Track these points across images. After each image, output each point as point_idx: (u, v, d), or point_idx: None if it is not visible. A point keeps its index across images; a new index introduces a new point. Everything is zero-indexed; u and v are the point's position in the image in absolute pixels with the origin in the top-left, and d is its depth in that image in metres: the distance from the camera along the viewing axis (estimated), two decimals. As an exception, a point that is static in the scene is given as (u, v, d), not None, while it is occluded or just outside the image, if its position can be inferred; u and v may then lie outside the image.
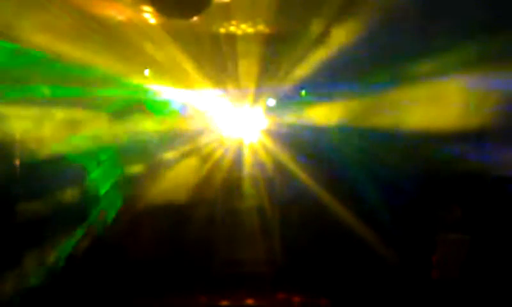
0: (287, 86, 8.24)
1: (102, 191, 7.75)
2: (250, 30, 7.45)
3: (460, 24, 6.46)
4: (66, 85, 7.55)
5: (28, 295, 6.25)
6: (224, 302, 6.76)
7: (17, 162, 7.30)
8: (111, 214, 7.64)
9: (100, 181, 7.78)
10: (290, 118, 8.48)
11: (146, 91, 8.28)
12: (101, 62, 7.17)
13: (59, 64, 7.11)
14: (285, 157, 7.99)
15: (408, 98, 7.29)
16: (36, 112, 7.42)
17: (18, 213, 6.90)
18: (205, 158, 8.33)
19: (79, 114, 7.78)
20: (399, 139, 7.34)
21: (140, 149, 8.04)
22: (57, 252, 6.76)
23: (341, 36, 6.81)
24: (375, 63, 7.28)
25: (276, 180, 8.09)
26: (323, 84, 7.93)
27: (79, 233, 7.12)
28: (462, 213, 7.19)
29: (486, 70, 6.78)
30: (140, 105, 8.29)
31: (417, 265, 6.82)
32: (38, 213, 6.87)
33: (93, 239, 7.24)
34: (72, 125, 7.73)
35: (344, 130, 7.83)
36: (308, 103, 8.42)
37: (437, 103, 7.09)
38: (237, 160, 8.39)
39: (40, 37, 6.53)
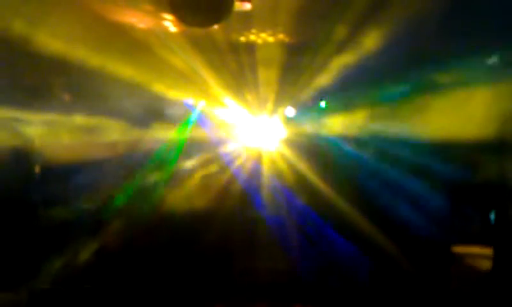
0: (306, 95, 7.98)
1: (123, 199, 7.57)
2: (270, 39, 7.22)
3: (487, 30, 6.06)
4: (87, 92, 7.56)
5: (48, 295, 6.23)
6: None
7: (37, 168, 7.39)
8: (131, 221, 7.42)
9: (121, 189, 7.61)
10: (310, 128, 8.38)
11: (166, 99, 8.02)
12: (122, 70, 6.98)
13: (80, 72, 6.94)
14: (304, 168, 7.86)
15: (432, 106, 6.88)
16: (55, 118, 7.55)
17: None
18: (224, 168, 8.20)
19: (98, 121, 7.71)
20: (421, 149, 7.02)
21: (159, 158, 7.89)
22: (76, 257, 6.68)
23: (363, 45, 6.48)
24: (398, 71, 6.93)
25: (295, 191, 7.93)
26: (344, 94, 7.67)
27: (99, 239, 7.01)
28: (483, 224, 7.06)
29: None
30: (160, 114, 8.15)
31: (435, 276, 6.67)
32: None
33: (114, 246, 7.08)
34: (90, 133, 7.73)
35: (365, 141, 7.61)
36: (328, 113, 8.25)
37: (461, 111, 6.63)
38: (256, 170, 8.33)
39: (61, 44, 6.38)
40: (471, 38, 6.20)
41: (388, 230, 6.97)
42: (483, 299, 6.16)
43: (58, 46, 6.37)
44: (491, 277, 6.33)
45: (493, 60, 6.58)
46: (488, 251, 6.45)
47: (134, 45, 6.95)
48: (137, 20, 6.69)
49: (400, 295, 6.52)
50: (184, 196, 7.75)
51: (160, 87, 7.68)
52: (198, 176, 8.02)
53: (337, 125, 8.01)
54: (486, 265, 6.46)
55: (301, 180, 7.87)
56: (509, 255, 6.29)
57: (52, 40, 6.28)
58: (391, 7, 5.84)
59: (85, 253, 6.84)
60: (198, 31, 6.36)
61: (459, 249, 6.90)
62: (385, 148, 7.39)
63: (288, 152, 8.25)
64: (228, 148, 8.52)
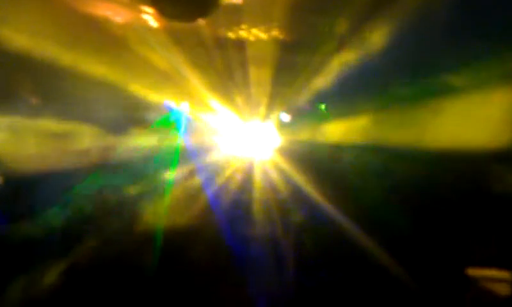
0: (303, 98, 7.46)
1: (95, 213, 6.99)
2: (263, 35, 6.70)
3: (494, 32, 5.76)
4: (57, 94, 7.00)
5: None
6: None
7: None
8: (105, 237, 6.78)
9: (94, 202, 7.05)
10: (307, 135, 7.70)
11: (145, 101, 7.38)
12: (96, 69, 6.46)
13: (49, 71, 6.39)
14: (300, 179, 7.25)
15: (441, 112, 6.41)
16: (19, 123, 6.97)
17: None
18: (210, 179, 7.61)
19: (69, 126, 7.21)
20: (428, 159, 6.52)
21: (137, 168, 7.29)
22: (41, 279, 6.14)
23: (366, 42, 6.13)
24: (404, 73, 6.48)
25: (289, 204, 7.36)
26: (345, 97, 7.10)
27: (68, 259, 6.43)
28: (500, 245, 6.59)
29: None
30: (139, 118, 7.56)
31: (448, 301, 6.26)
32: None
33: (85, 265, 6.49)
34: (60, 139, 7.19)
35: (366, 149, 7.07)
36: (327, 118, 7.71)
37: (468, 118, 6.28)
38: (247, 182, 7.66)
39: (27, 39, 5.96)
40: (483, 38, 5.88)
41: (389, 251, 6.56)
42: None
43: (24, 42, 5.95)
44: (510, 304, 6.10)
45: (508, 62, 6.00)
46: (506, 275, 6.07)
47: (110, 41, 6.61)
48: (113, 13, 6.36)
49: None
50: (164, 210, 7.17)
51: (138, 89, 7.05)
52: (180, 188, 7.40)
53: (338, 131, 7.42)
54: (505, 289, 6.08)
55: (296, 192, 7.32)
56: None
57: (17, 35, 5.88)
58: (390, 10, 5.68)
59: (51, 274, 6.28)
60: (181, 26, 6.07)
61: (475, 272, 6.35)
62: (391, 157, 6.85)
63: (282, 162, 7.62)
64: (215, 157, 7.84)
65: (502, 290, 6.10)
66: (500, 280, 6.18)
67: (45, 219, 6.77)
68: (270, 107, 7.78)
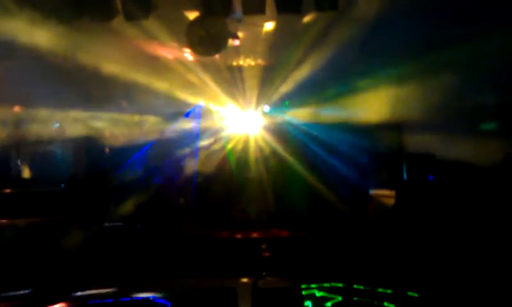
0: (276, 97, 9.53)
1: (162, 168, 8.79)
2: (252, 62, 9.23)
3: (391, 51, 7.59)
4: (135, 99, 9.16)
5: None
6: (239, 235, 7.68)
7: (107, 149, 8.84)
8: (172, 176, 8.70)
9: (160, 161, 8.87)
10: (278, 118, 9.71)
11: (186, 104, 9.47)
12: (157, 84, 8.65)
13: (130, 86, 8.45)
14: (275, 144, 9.10)
15: (355, 101, 8.43)
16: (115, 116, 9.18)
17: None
18: (225, 146, 9.39)
19: (143, 118, 9.39)
20: (350, 128, 8.28)
21: (184, 141, 9.14)
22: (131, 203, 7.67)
23: (309, 64, 8.22)
24: (333, 81, 8.62)
25: (270, 159, 9.12)
26: (299, 96, 9.11)
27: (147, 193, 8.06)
28: (388, 176, 8.53)
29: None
30: (181, 112, 9.63)
31: (360, 210, 7.98)
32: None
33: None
34: (137, 126, 9.36)
35: (311, 125, 8.84)
36: (290, 109, 9.69)
37: (373, 104, 8.18)
38: (245, 145, 9.56)
39: (119, 68, 8.02)
40: (379, 57, 7.81)
41: (327, 182, 8.11)
42: (390, 223, 7.52)
43: (116, 69, 8.00)
44: (394, 209, 7.83)
45: (393, 71, 7.91)
46: (392, 193, 8.05)
47: (165, 67, 8.69)
48: (167, 51, 8.45)
49: (334, 220, 7.55)
50: (200, 163, 9.00)
51: (182, 95, 9.16)
52: (209, 151, 9.21)
53: (295, 116, 9.38)
54: (391, 201, 8.02)
55: (274, 151, 9.06)
56: (404, 196, 7.75)
57: (112, 65, 7.94)
58: (324, 45, 7.71)
59: (137, 200, 7.73)
60: (205, 58, 8.09)
61: (374, 192, 8.43)
62: (326, 129, 8.57)
63: (265, 135, 9.57)
64: (227, 133, 9.80)
65: (389, 202, 8.05)
66: (388, 196, 8.11)
67: (132, 171, 8.54)
68: (257, 103, 9.86)
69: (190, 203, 8.65)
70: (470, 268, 5.66)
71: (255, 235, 7.80)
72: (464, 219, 6.36)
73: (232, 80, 9.44)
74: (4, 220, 6.95)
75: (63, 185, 8.06)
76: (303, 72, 8.48)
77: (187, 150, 9.10)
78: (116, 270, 6.21)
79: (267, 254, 6.90)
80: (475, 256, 5.80)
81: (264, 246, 7.02)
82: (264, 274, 6.09)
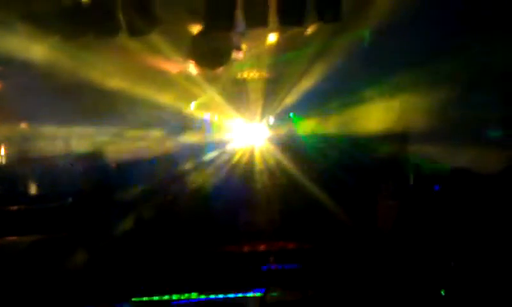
0: (280, 110, 9.48)
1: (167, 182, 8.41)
2: (256, 75, 9.23)
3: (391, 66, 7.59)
4: (140, 114, 8.94)
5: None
6: (246, 248, 7.61)
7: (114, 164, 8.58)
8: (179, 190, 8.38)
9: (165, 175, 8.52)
10: (283, 130, 9.75)
11: (192, 116, 9.63)
12: (162, 98, 8.62)
13: (135, 101, 8.40)
14: (280, 156, 9.07)
15: (357, 114, 8.41)
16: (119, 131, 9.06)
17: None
18: (231, 157, 9.31)
19: (147, 132, 9.20)
20: (352, 140, 8.29)
21: (190, 154, 8.97)
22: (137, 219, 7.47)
23: (312, 78, 8.28)
24: (335, 94, 8.56)
25: (275, 170, 8.96)
26: (303, 108, 9.19)
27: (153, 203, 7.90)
28: (394, 186, 8.18)
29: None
30: (187, 124, 9.56)
31: (367, 220, 7.70)
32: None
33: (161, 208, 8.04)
34: (142, 140, 9.18)
35: (316, 137, 8.99)
36: (294, 121, 9.72)
37: (374, 117, 8.18)
38: (251, 157, 9.46)
39: (124, 83, 7.98)
40: (383, 67, 7.78)
41: (333, 193, 7.85)
42: (396, 234, 7.14)
43: (121, 83, 7.96)
44: (400, 220, 7.48)
45: (393, 84, 7.92)
46: (397, 203, 7.83)
47: (169, 81, 8.69)
48: (172, 65, 8.48)
49: (342, 233, 7.33)
50: (205, 176, 8.72)
51: (187, 108, 9.41)
52: (214, 164, 9.01)
53: (299, 128, 9.55)
54: (397, 212, 7.69)
55: (279, 163, 8.99)
56: (410, 206, 7.50)
57: (116, 80, 7.91)
58: (327, 56, 7.78)
59: (143, 217, 7.59)
60: (209, 71, 8.13)
61: (380, 203, 8.05)
62: (331, 140, 8.59)
63: (270, 146, 9.60)
64: (233, 145, 9.74)
65: (395, 212, 7.66)
66: (394, 206, 7.77)
67: (135, 186, 7.99)
68: (262, 115, 9.79)
69: (196, 215, 8.29)
70: (479, 279, 5.53)
71: (261, 247, 7.70)
72: (472, 229, 6.17)
73: (236, 92, 9.41)
74: (10, 238, 6.92)
75: (69, 200, 8.02)
76: (307, 84, 8.45)
77: (192, 163, 8.98)
78: (122, 285, 6.18)
79: (274, 267, 6.85)
80: (484, 266, 5.65)
81: (271, 259, 6.95)
82: (271, 287, 5.97)
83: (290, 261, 7.02)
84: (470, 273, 5.78)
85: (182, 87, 8.75)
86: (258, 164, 9.34)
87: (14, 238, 6.97)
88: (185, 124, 9.60)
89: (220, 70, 8.01)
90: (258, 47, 8.06)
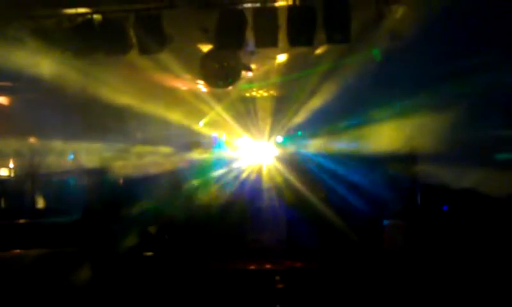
0: (288, 128, 9.61)
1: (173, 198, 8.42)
2: (265, 94, 9.34)
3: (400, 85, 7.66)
4: (147, 130, 9.33)
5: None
6: (252, 266, 7.42)
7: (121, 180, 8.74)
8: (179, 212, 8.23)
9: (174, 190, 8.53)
10: (291, 149, 9.77)
11: (200, 133, 9.68)
12: (171, 115, 8.74)
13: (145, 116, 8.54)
14: (288, 173, 8.97)
15: (365, 133, 8.43)
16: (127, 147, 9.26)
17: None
18: (239, 175, 9.31)
19: (156, 149, 9.35)
20: (359, 159, 8.27)
21: (197, 171, 8.96)
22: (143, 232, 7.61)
23: (322, 95, 8.25)
24: (344, 113, 8.55)
25: (283, 188, 8.83)
26: (311, 127, 9.16)
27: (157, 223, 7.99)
28: (402, 206, 8.17)
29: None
30: (196, 141, 9.66)
31: (374, 241, 7.72)
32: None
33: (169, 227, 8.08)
34: (150, 155, 9.39)
35: (323, 156, 8.84)
36: (302, 139, 9.71)
37: (384, 135, 8.13)
38: (259, 175, 9.48)
39: (132, 101, 8.06)
40: (392, 88, 7.84)
41: (341, 212, 7.87)
42: (404, 254, 7.14)
43: (130, 100, 8.02)
44: (408, 240, 7.45)
45: (406, 101, 7.83)
46: (405, 224, 7.80)
47: (179, 99, 8.80)
48: (181, 83, 8.62)
49: (351, 252, 7.30)
50: (213, 193, 8.76)
51: (196, 126, 9.45)
52: (222, 181, 9.01)
53: (308, 146, 9.44)
54: (405, 232, 7.67)
55: (287, 181, 8.85)
56: (418, 226, 7.44)
57: (126, 97, 7.95)
58: (336, 76, 7.76)
59: (150, 232, 7.76)
60: (219, 90, 8.09)
61: (388, 223, 8.07)
62: (339, 159, 8.51)
63: (278, 164, 9.50)
64: (241, 163, 9.78)
65: (403, 232, 7.66)
66: (402, 227, 7.78)
67: (142, 202, 7.99)
68: (270, 134, 9.87)
69: (203, 232, 8.31)
70: (487, 299, 5.51)
71: (268, 266, 7.53)
72: (480, 250, 6.17)
73: (245, 111, 9.48)
74: (16, 251, 6.79)
75: (77, 216, 7.91)
76: (315, 103, 8.47)
77: (200, 181, 8.94)
78: (128, 300, 6.04)
79: (280, 285, 6.68)
80: (491, 286, 5.64)
81: (277, 278, 6.79)
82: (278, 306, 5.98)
83: (297, 280, 6.93)
84: (477, 293, 5.68)
85: (191, 104, 8.80)
86: (266, 182, 9.44)
87: (20, 251, 6.84)
88: (193, 141, 9.69)
89: (229, 88, 7.84)
90: (267, 66, 8.10)
